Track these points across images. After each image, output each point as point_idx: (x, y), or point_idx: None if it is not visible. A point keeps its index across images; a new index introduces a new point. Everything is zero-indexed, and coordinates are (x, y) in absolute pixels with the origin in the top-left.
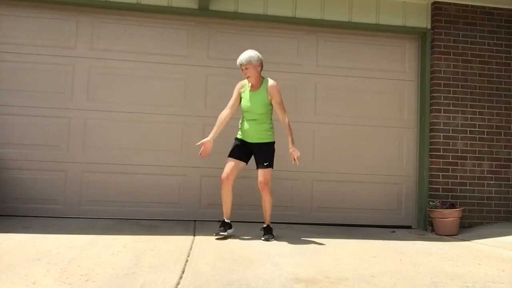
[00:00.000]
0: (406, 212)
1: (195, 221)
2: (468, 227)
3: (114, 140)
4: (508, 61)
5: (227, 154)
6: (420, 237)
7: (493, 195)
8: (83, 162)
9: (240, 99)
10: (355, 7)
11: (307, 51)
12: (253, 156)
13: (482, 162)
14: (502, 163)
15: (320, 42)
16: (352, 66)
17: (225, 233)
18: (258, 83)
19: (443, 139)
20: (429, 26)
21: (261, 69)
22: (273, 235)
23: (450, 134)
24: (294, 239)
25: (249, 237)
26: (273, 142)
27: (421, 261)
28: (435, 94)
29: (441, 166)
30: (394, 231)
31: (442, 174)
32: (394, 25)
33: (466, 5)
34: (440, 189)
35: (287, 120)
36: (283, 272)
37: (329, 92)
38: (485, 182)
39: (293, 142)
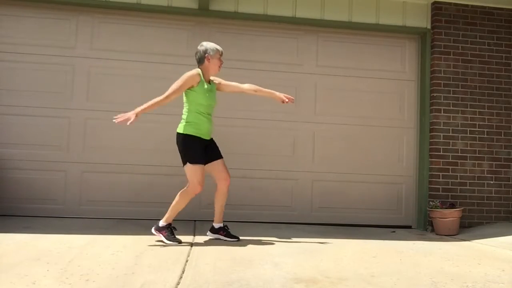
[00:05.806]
0: (406, 212)
1: (195, 221)
2: (468, 227)
3: (114, 140)
4: (508, 61)
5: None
6: (420, 237)
7: (493, 195)
8: (83, 162)
9: (187, 92)
10: (355, 7)
11: (307, 51)
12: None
13: (482, 162)
14: (502, 163)
15: (320, 42)
16: (352, 66)
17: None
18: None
19: (443, 139)
20: (429, 26)
21: None
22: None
23: (450, 134)
24: (294, 239)
25: (249, 237)
26: None
27: (421, 261)
28: (435, 94)
29: (441, 166)
30: (394, 231)
31: (442, 174)
32: (394, 25)
33: (466, 5)
34: (440, 189)
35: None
36: (283, 272)
37: (329, 92)
38: (485, 182)
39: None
